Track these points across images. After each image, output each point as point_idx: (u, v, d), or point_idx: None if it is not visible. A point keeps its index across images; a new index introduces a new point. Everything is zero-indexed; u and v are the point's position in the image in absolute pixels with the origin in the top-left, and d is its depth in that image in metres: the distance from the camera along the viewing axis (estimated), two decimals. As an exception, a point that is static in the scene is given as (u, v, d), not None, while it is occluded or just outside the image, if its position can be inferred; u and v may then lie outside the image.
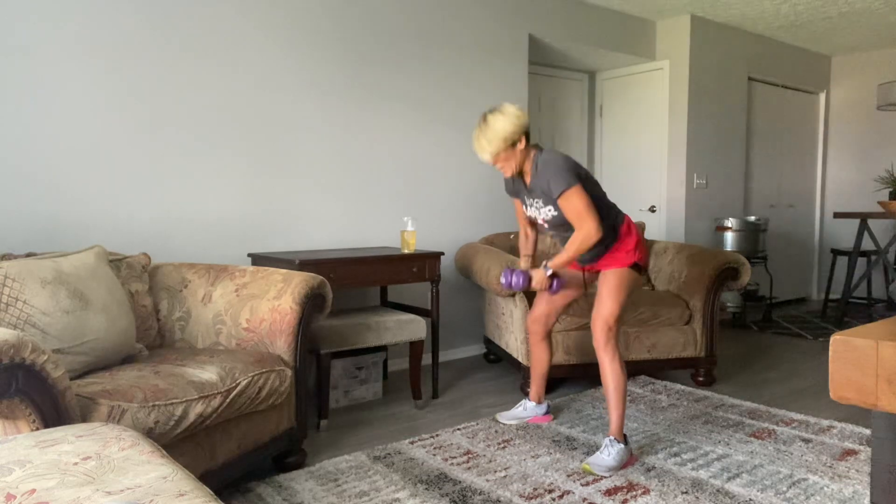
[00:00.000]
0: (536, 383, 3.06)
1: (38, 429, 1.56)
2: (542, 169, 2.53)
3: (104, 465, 1.19)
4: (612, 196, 5.84)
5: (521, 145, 2.53)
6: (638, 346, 3.57)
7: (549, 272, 2.64)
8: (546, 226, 2.69)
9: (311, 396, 3.52)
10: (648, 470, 2.53)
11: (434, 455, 2.67)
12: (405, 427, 3.07)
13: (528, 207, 2.71)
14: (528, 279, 2.64)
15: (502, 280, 2.65)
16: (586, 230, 2.47)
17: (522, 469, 2.54)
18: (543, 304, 2.92)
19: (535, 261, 2.95)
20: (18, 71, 2.80)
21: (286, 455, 2.55)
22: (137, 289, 2.60)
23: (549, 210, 2.60)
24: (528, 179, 2.63)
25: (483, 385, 3.77)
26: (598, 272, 2.78)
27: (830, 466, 2.54)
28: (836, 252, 5.92)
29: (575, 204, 2.47)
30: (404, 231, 3.42)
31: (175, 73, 3.21)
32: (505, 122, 2.48)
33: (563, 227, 2.62)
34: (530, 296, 3.35)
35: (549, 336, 2.99)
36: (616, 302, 2.60)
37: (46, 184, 2.89)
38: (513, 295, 3.42)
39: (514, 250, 4.16)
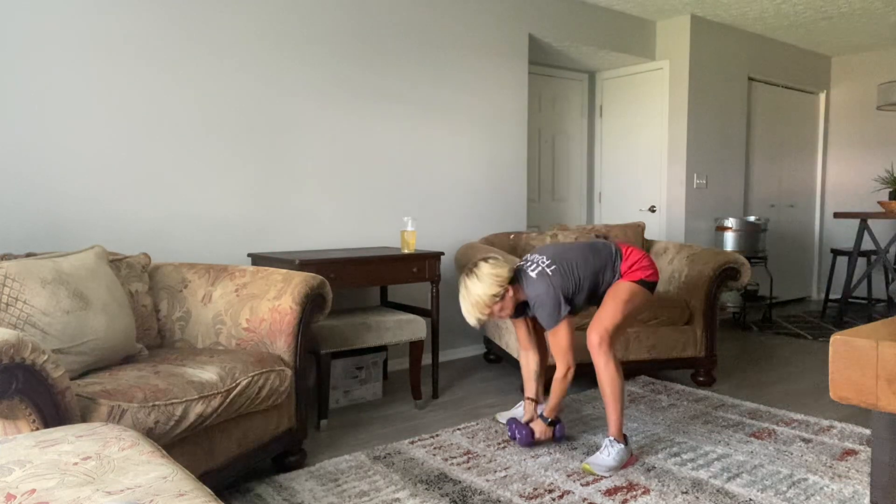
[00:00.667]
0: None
1: (38, 429, 1.56)
2: (532, 304, 2.59)
3: (104, 465, 1.19)
4: (613, 196, 5.84)
5: (510, 293, 2.55)
6: (638, 346, 3.57)
7: (549, 420, 2.74)
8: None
9: (311, 396, 3.52)
10: (648, 470, 2.53)
11: (434, 455, 2.67)
12: (405, 427, 3.07)
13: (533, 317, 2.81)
14: (532, 433, 2.74)
15: (509, 434, 2.81)
16: (563, 367, 2.60)
17: (522, 469, 2.54)
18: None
19: (540, 393, 2.95)
20: (19, 71, 2.80)
21: (286, 455, 2.55)
22: (137, 289, 2.60)
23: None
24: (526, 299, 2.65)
25: (483, 385, 3.77)
26: None
27: (830, 466, 2.54)
28: (836, 252, 5.92)
29: (558, 340, 2.58)
30: (404, 231, 3.42)
31: (175, 74, 3.21)
32: (484, 287, 2.51)
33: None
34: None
35: (545, 356, 3.00)
36: (619, 311, 2.59)
37: (46, 184, 2.89)
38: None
39: (514, 250, 4.16)
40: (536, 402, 2.88)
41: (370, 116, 3.91)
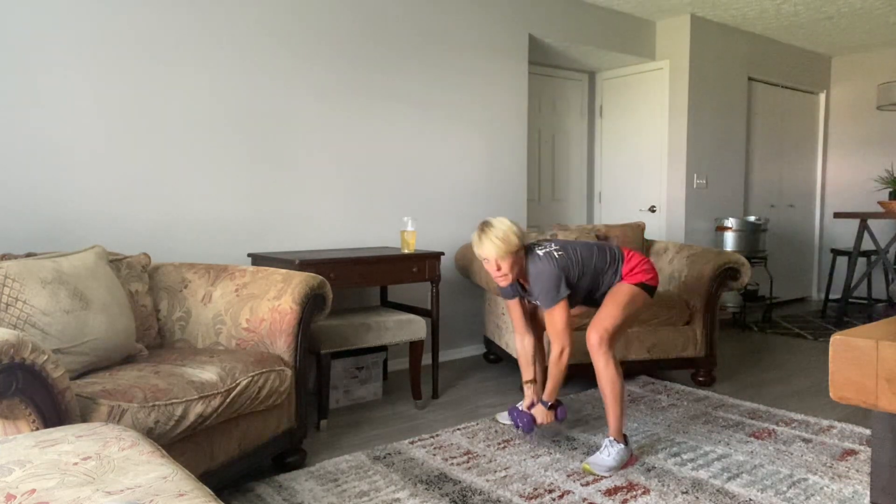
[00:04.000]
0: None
1: (38, 429, 1.56)
2: (534, 281, 2.61)
3: (104, 465, 1.19)
4: (613, 196, 5.84)
5: (521, 253, 2.60)
6: (638, 346, 3.57)
7: (549, 404, 2.73)
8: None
9: (311, 396, 3.51)
10: (648, 470, 2.53)
11: (434, 455, 2.67)
12: (405, 427, 3.07)
13: (529, 301, 2.81)
14: (534, 419, 2.73)
15: (510, 421, 2.81)
16: (558, 348, 2.60)
17: (522, 469, 2.54)
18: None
19: (539, 381, 2.99)
20: (19, 72, 2.80)
21: (286, 455, 2.55)
22: (137, 289, 2.60)
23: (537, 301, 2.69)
24: (525, 283, 2.71)
25: (483, 385, 3.77)
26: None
27: (830, 466, 2.54)
28: (836, 252, 5.92)
29: (555, 320, 2.59)
30: (404, 231, 3.42)
31: (175, 74, 3.21)
32: (508, 227, 2.55)
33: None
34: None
35: (541, 340, 3.00)
36: (619, 313, 2.60)
37: (46, 184, 2.89)
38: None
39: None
40: (535, 381, 2.89)
41: (371, 116, 3.91)
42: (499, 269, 2.58)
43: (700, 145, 5.51)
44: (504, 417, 3.08)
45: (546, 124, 5.57)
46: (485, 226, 2.57)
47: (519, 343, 2.92)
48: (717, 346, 4.14)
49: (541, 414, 2.74)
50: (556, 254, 2.61)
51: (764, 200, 6.35)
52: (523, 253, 2.62)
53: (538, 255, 2.62)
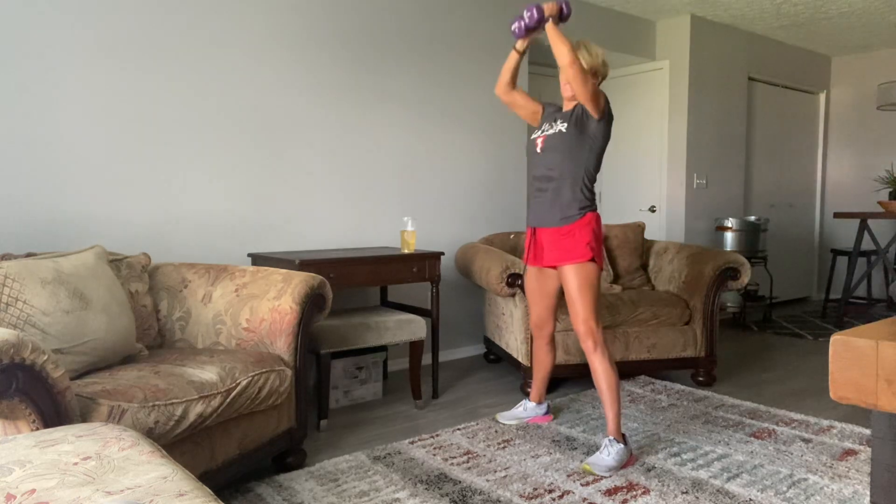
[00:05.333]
0: (538, 384, 3.06)
1: (38, 429, 1.56)
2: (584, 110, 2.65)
3: (104, 465, 1.19)
4: (613, 196, 5.84)
5: (595, 80, 2.65)
6: (638, 346, 3.57)
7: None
8: (539, 144, 2.72)
9: (311, 396, 3.52)
10: (648, 470, 2.53)
11: (434, 455, 2.67)
12: (405, 427, 3.07)
13: (540, 130, 2.78)
14: (541, 9, 2.56)
15: (514, 27, 2.63)
16: (591, 95, 2.53)
17: (522, 469, 2.54)
18: (536, 307, 2.92)
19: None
20: (19, 72, 2.80)
21: (286, 455, 2.55)
22: (137, 289, 2.60)
23: (562, 125, 2.66)
24: (567, 106, 2.74)
25: (483, 385, 3.77)
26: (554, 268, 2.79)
27: (830, 466, 2.54)
28: (836, 252, 5.92)
29: (593, 103, 2.55)
30: (404, 231, 3.42)
31: (176, 74, 3.21)
32: (601, 52, 2.64)
33: (555, 151, 2.65)
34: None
35: (553, 340, 2.99)
36: (586, 300, 2.61)
37: (46, 184, 2.89)
38: (513, 295, 3.42)
39: (513, 250, 4.16)
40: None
41: (370, 116, 3.91)
42: (579, 69, 2.47)
43: (700, 145, 5.51)
44: (504, 417, 3.08)
45: (546, 124, 5.57)
46: (583, 42, 2.64)
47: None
48: (717, 346, 4.13)
49: (549, 7, 2.55)
50: None
51: (764, 200, 6.35)
52: (597, 83, 2.66)
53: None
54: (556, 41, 2.49)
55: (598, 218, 2.68)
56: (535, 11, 2.56)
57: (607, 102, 2.63)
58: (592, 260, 2.62)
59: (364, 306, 3.69)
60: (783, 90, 6.41)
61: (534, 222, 2.75)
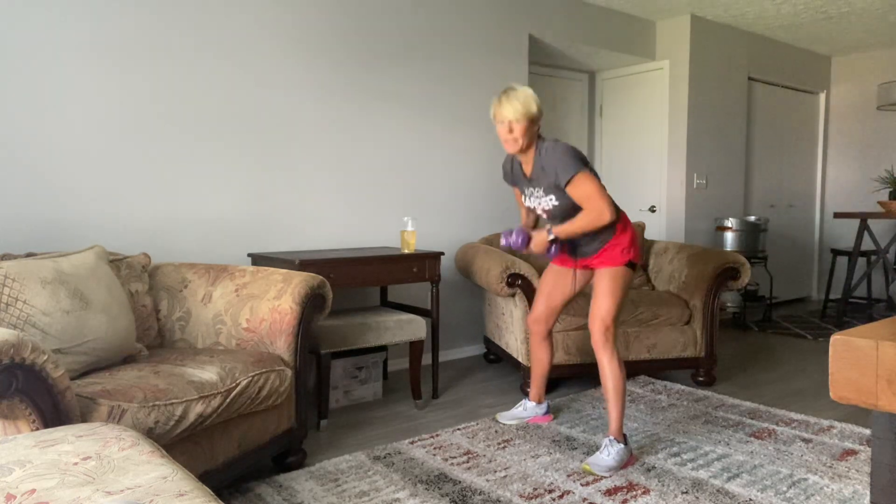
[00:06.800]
0: (537, 383, 3.06)
1: (38, 429, 1.56)
2: (546, 155, 2.52)
3: (104, 465, 1.19)
4: (613, 196, 5.84)
5: (536, 128, 2.56)
6: (638, 346, 3.57)
7: (552, 237, 2.57)
8: (546, 216, 2.69)
9: (311, 396, 3.52)
10: (648, 470, 2.53)
11: (434, 455, 2.67)
12: (405, 427, 3.07)
13: (528, 198, 2.71)
14: (528, 239, 2.61)
15: (502, 241, 2.64)
16: (598, 209, 2.47)
17: (522, 469, 2.54)
18: (542, 304, 2.92)
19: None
20: (19, 72, 2.80)
21: (286, 455, 2.55)
22: (137, 289, 2.60)
23: (550, 199, 2.59)
24: (527, 169, 2.64)
25: (483, 385, 3.77)
26: (590, 270, 2.78)
27: (830, 466, 2.54)
28: (836, 252, 5.92)
29: (586, 188, 2.48)
30: (404, 231, 3.42)
31: (175, 74, 3.21)
32: (530, 94, 2.53)
33: (563, 218, 2.61)
34: (530, 295, 3.35)
35: (550, 336, 2.99)
36: (613, 301, 2.60)
37: (46, 184, 2.89)
38: (513, 295, 3.42)
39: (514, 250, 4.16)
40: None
41: (371, 116, 3.91)
42: (511, 131, 2.50)
43: (700, 145, 5.51)
44: (504, 417, 3.08)
45: (546, 124, 5.57)
46: (507, 90, 2.54)
47: (523, 214, 2.90)
48: (717, 345, 4.13)
49: (540, 239, 2.58)
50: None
51: (764, 200, 6.35)
52: (537, 130, 2.56)
53: (550, 139, 2.58)
54: (567, 235, 2.55)
55: (626, 219, 2.66)
56: (522, 239, 2.59)
57: (584, 159, 2.51)
58: (629, 263, 2.62)
59: (364, 306, 3.69)
60: (783, 90, 6.41)
61: (571, 253, 2.75)
